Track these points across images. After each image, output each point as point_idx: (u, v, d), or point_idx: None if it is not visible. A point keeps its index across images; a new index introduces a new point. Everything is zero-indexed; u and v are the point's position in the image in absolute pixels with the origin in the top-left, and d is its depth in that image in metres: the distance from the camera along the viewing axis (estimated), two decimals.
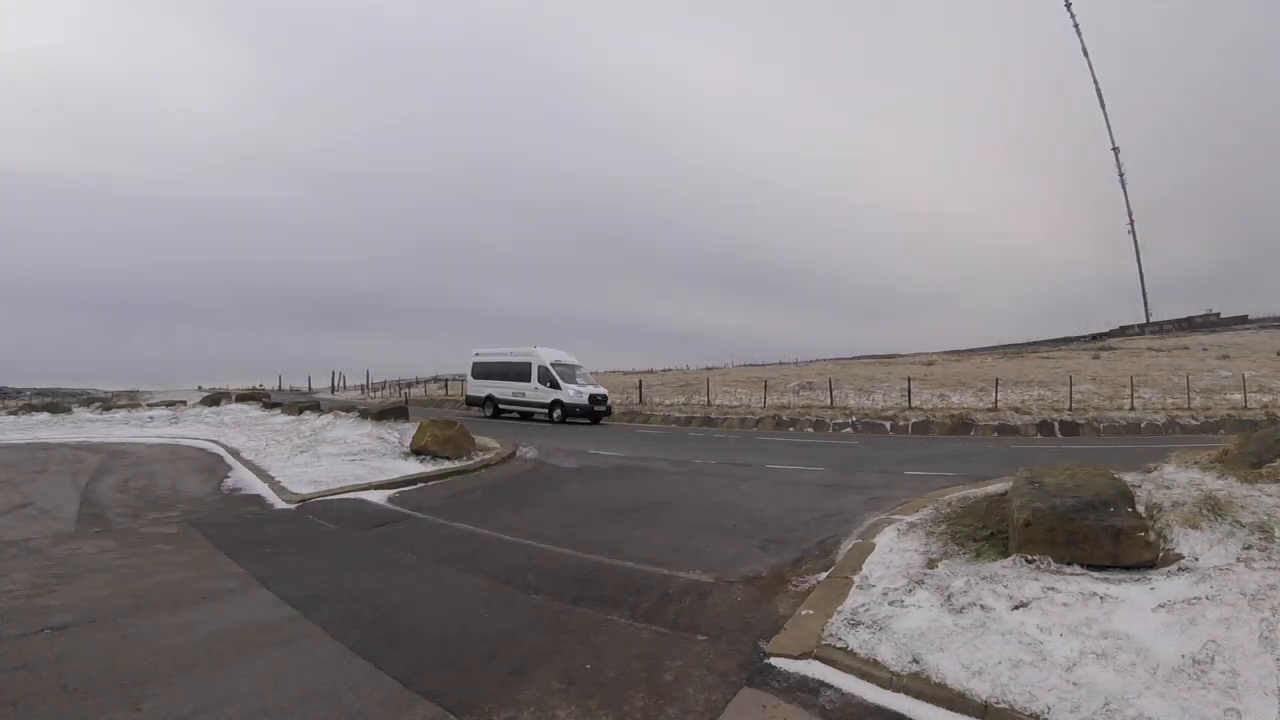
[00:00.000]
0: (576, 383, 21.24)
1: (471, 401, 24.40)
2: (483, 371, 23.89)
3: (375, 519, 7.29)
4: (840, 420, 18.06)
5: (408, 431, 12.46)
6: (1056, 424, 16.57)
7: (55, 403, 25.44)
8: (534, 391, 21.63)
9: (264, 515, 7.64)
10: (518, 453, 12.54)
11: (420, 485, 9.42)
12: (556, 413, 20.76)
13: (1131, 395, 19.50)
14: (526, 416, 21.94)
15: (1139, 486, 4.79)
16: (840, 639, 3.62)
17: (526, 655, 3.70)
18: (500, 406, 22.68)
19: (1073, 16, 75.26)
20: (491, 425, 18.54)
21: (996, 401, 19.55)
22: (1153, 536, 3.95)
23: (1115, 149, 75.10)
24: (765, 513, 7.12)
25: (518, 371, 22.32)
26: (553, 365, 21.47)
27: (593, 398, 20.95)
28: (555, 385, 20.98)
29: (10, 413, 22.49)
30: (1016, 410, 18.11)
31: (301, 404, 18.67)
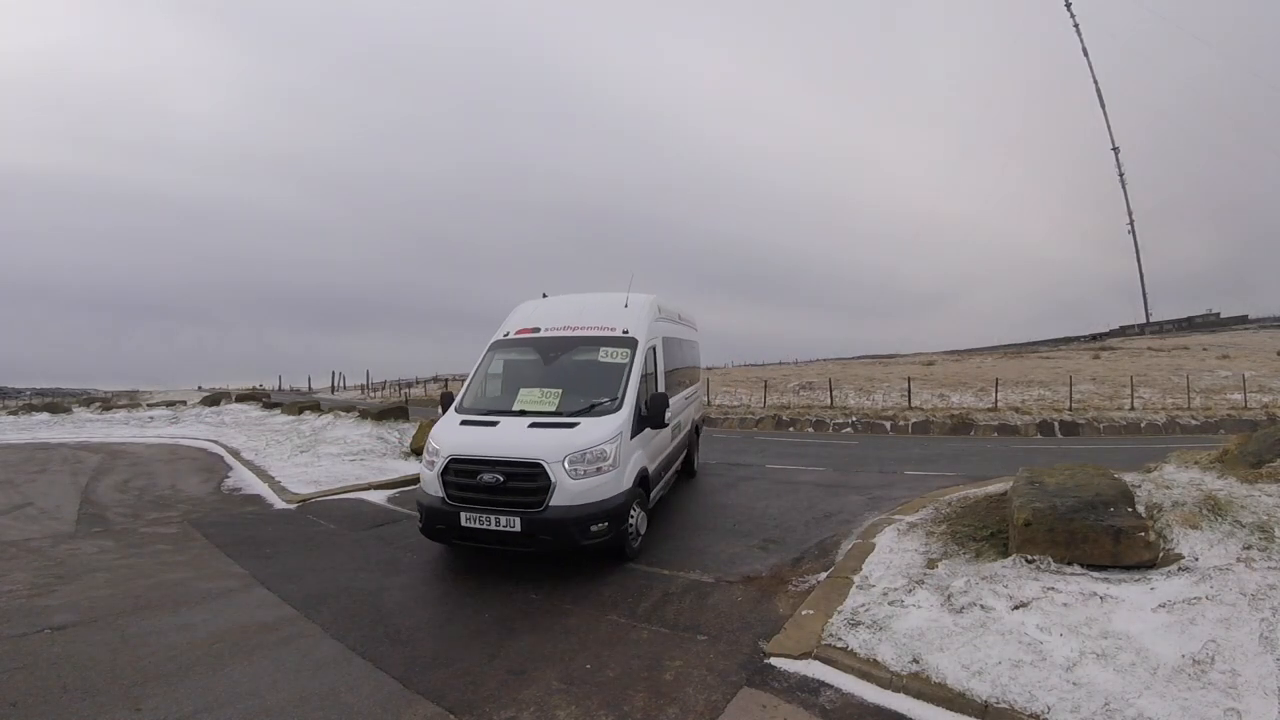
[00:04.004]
0: (534, 413, 5.52)
1: None
2: None
3: (375, 519, 7.28)
4: (840, 420, 18.04)
5: (408, 431, 12.47)
6: (1056, 424, 16.55)
7: (55, 403, 25.42)
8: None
9: (264, 515, 7.64)
10: None
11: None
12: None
13: (1131, 395, 19.49)
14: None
15: (1139, 486, 4.79)
16: (840, 639, 3.62)
17: (526, 655, 3.70)
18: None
19: (1073, 16, 75.45)
20: None
21: (996, 401, 19.53)
22: (1153, 536, 3.95)
23: (1115, 149, 75.37)
24: (765, 512, 7.12)
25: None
26: (498, 345, 6.55)
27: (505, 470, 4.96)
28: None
29: (10, 413, 22.46)
30: (1016, 410, 18.09)
31: (301, 404, 18.66)
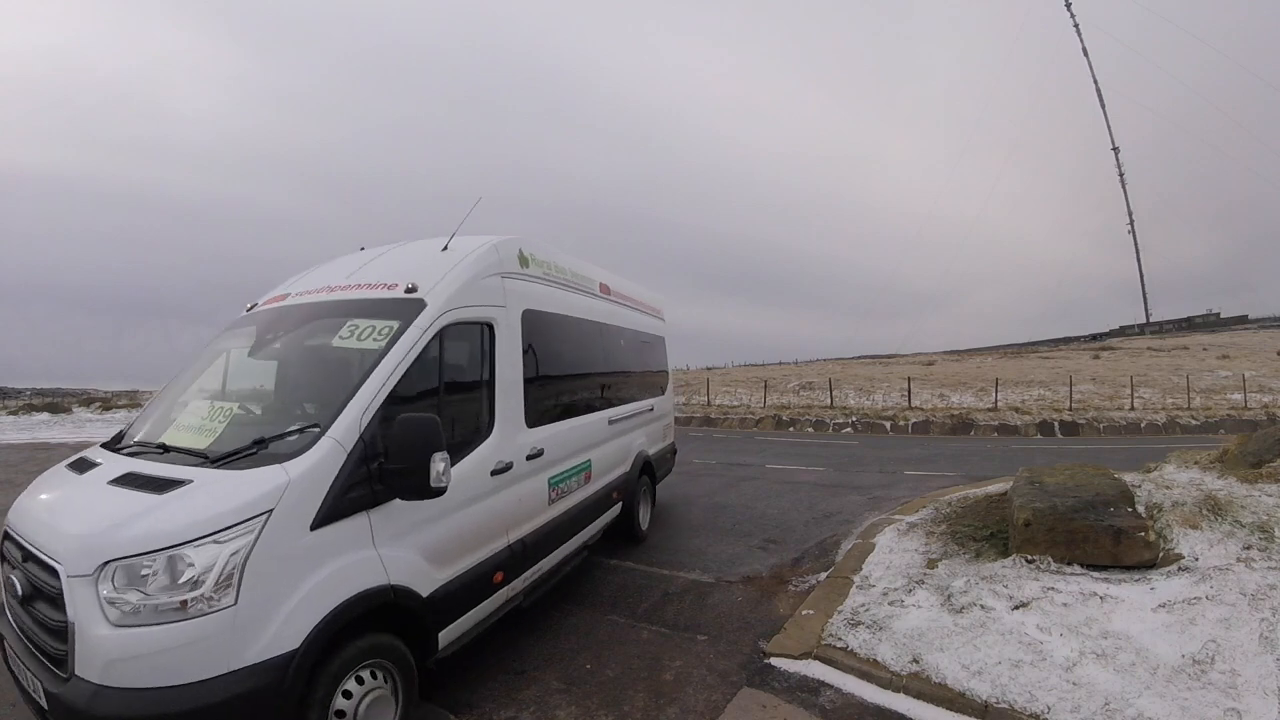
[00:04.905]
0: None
1: None
2: None
3: None
4: (840, 420, 18.05)
5: None
6: (1056, 424, 16.55)
7: (55, 402, 25.42)
8: None
9: None
10: None
11: None
12: None
13: (1131, 395, 19.49)
14: None
15: (1139, 486, 4.79)
16: (840, 639, 3.62)
17: (526, 655, 3.70)
18: None
19: (1073, 16, 75.58)
20: None
21: (996, 401, 19.54)
22: (1153, 536, 3.95)
23: (1115, 149, 75.57)
24: (765, 513, 7.12)
25: None
26: (230, 327, 3.88)
27: None
28: None
29: (10, 413, 22.46)
30: (1016, 410, 18.10)
31: None
